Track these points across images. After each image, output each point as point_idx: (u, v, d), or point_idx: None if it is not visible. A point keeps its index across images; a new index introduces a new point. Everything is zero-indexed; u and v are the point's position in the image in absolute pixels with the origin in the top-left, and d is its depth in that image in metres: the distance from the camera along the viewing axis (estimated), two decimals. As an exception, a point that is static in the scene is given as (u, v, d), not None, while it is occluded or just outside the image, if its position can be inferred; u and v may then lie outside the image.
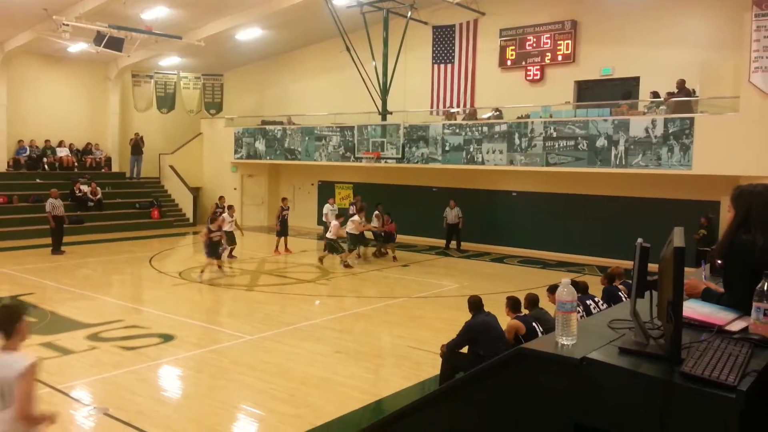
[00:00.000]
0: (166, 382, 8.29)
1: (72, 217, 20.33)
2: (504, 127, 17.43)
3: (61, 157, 24.20)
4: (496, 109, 18.62)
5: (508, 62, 19.64)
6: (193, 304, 12.33)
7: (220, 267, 14.69)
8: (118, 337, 9.60)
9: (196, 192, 25.61)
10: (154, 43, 21.10)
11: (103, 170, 25.16)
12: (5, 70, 22.68)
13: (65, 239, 17.72)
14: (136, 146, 25.58)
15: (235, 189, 24.85)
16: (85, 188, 22.54)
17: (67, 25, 17.91)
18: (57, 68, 24.35)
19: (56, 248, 17.12)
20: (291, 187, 25.13)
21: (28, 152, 23.57)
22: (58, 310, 11.13)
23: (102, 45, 19.18)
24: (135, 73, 25.95)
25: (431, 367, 7.97)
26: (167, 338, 9.60)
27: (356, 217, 16.50)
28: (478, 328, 6.88)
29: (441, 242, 19.52)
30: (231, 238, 16.05)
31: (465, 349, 7.07)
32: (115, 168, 25.79)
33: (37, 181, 22.52)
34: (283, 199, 19.05)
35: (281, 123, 23.64)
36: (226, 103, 27.24)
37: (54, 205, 17.20)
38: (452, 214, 18.91)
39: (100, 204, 22.56)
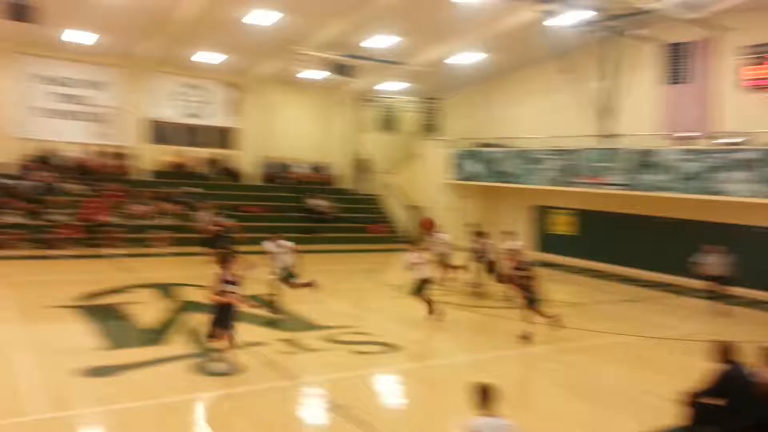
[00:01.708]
0: (391, 389, 8.76)
1: (303, 228, 22.49)
2: (753, 154, 15.55)
3: (296, 172, 27.05)
4: (741, 134, 16.69)
5: (752, 82, 17.53)
6: (416, 317, 12.84)
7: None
8: (347, 341, 10.36)
9: (413, 210, 26.75)
10: (379, 69, 22.76)
11: (331, 186, 27.54)
12: (257, 94, 26.25)
13: (303, 247, 19.49)
14: (362, 165, 27.61)
15: (449, 210, 25.43)
16: (315, 202, 24.86)
17: (304, 54, 20.12)
18: (294, 93, 27.38)
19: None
20: (506, 209, 25.05)
21: (272, 167, 26.75)
22: (297, 311, 12.36)
23: (334, 72, 21.22)
24: (361, 97, 28.11)
25: (668, 414, 7.33)
26: (392, 347, 10.13)
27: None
28: (733, 379, 6.19)
29: (669, 278, 17.90)
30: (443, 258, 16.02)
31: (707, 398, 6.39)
32: (342, 185, 28.11)
33: (279, 193, 25.42)
34: (480, 233, 15.84)
35: (496, 145, 23.77)
36: (442, 126, 28.16)
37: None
38: (715, 261, 14.33)
39: (329, 218, 24.69)
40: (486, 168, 23.50)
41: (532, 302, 10.71)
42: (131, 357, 8.91)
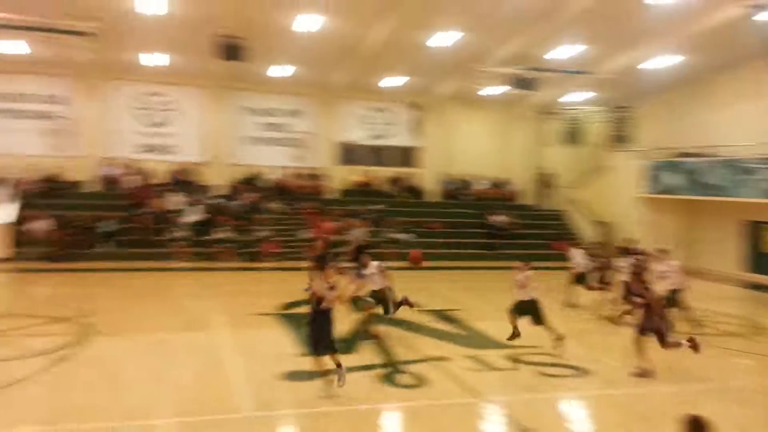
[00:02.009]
0: (581, 415, 8.26)
1: (483, 244, 22.33)
2: None
3: (476, 189, 27.02)
4: None
5: None
6: (604, 340, 12.06)
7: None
8: (534, 362, 9.99)
9: (603, 226, 25.27)
10: (563, 80, 21.92)
11: (513, 202, 27.07)
12: (438, 114, 26.81)
13: (485, 264, 19.41)
14: (544, 180, 26.80)
15: (641, 225, 23.62)
16: (496, 218, 24.58)
17: (485, 71, 20.04)
18: (474, 110, 27.46)
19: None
20: (709, 225, 22.63)
21: (452, 185, 27.04)
22: (480, 327, 12.24)
23: (515, 86, 20.88)
24: (544, 110, 27.34)
25: None
26: (581, 371, 9.57)
27: None
28: None
29: None
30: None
31: None
32: (524, 200, 27.51)
33: (459, 210, 25.60)
34: (661, 251, 13.70)
35: (697, 155, 21.60)
36: (634, 136, 26.32)
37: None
38: None
39: (510, 233, 24.25)
40: (686, 180, 21.45)
41: (647, 331, 9.25)
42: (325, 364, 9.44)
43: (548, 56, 20.57)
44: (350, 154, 26.51)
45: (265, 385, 8.51)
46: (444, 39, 19.33)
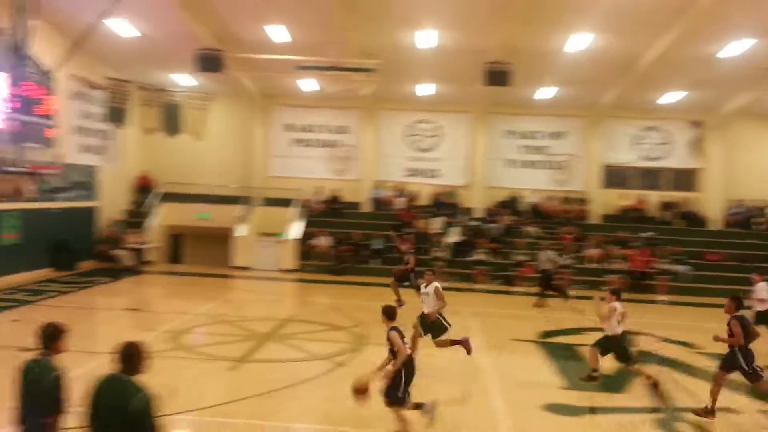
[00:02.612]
0: None
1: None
2: None
3: (772, 218, 23.16)
4: None
5: None
6: None
7: None
8: None
9: None
10: None
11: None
12: (722, 132, 23.72)
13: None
14: None
15: None
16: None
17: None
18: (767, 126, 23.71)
19: None
20: None
21: (740, 211, 23.58)
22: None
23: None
24: None
25: None
26: None
27: None
28: None
29: None
30: None
31: None
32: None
33: (747, 241, 22.22)
34: None
35: None
36: None
37: None
38: None
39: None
40: None
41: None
42: (590, 400, 8.84)
43: None
44: (616, 176, 24.80)
45: (525, 415, 8.25)
46: (735, 48, 17.07)
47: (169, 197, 23.52)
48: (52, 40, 17.49)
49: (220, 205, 22.92)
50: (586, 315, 16.21)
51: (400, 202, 24.43)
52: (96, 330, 13.15)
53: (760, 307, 12.14)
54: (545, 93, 22.59)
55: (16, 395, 4.66)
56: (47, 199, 18.66)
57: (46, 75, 16.77)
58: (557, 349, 12.17)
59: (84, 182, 21.01)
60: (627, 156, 24.72)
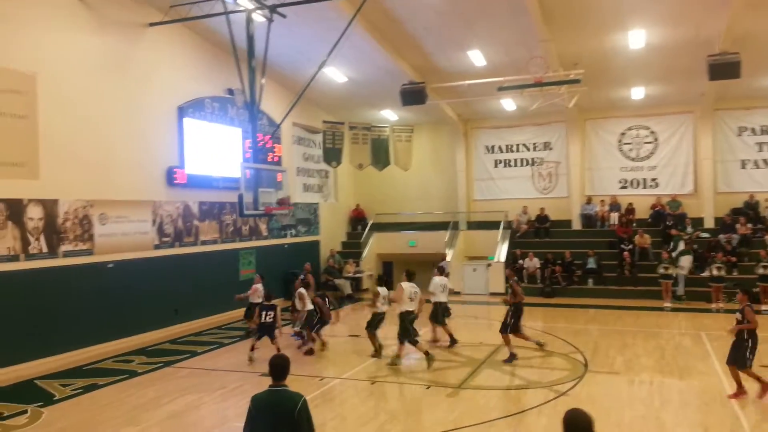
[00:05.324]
0: None
1: None
2: None
3: None
4: None
5: None
6: None
7: None
8: None
9: None
10: None
11: None
12: None
13: None
14: None
15: None
16: None
17: None
18: None
19: None
20: None
21: None
22: None
23: None
24: None
25: None
26: None
27: None
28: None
29: None
30: None
31: None
32: None
33: None
34: None
35: None
36: None
37: None
38: None
39: None
40: None
41: None
42: None
43: None
44: None
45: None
46: None
47: (378, 227, 24.86)
48: (277, 94, 19.87)
49: (426, 232, 23.60)
50: None
51: (611, 217, 22.90)
52: (336, 358, 14.03)
53: None
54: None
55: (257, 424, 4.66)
56: (277, 236, 20.95)
57: (274, 126, 18.95)
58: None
59: (307, 219, 23.16)
60: None
